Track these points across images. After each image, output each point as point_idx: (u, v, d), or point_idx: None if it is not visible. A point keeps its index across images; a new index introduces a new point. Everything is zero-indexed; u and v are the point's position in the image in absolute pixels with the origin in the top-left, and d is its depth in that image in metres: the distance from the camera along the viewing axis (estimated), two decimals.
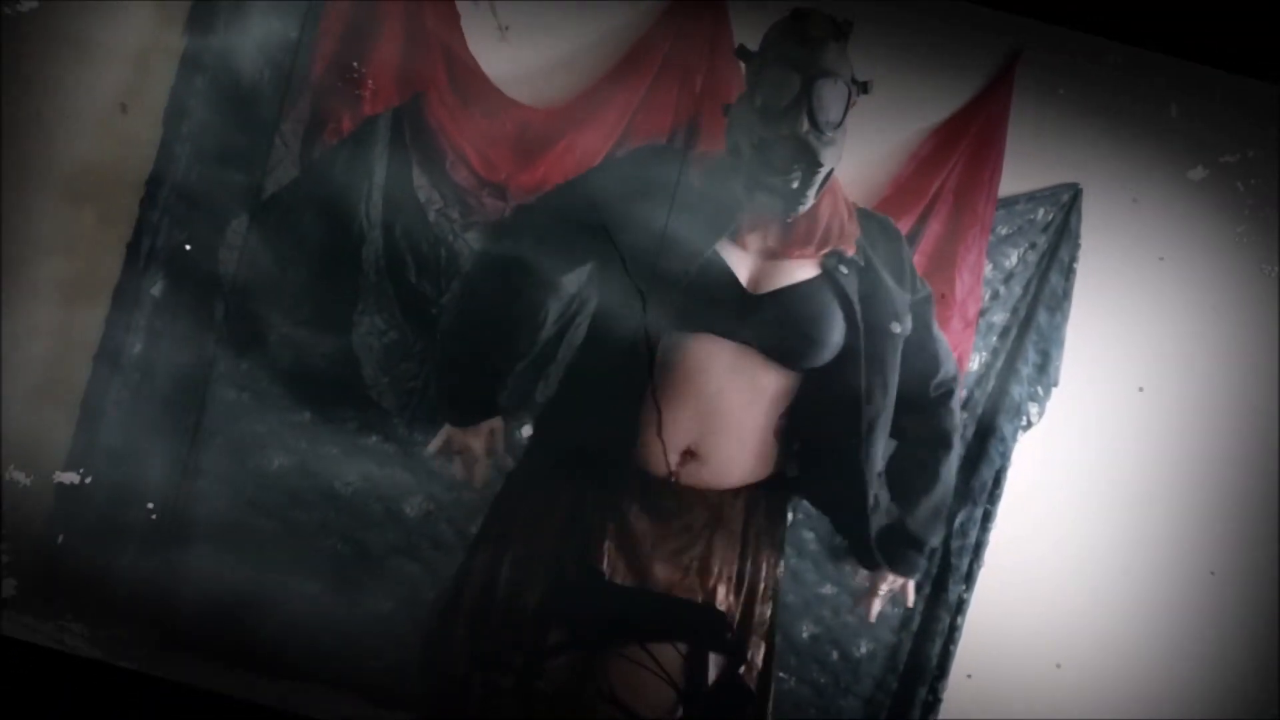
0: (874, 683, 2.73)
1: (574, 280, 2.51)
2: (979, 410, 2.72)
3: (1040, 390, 2.72)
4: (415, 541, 2.66)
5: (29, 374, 2.63)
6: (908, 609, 2.66)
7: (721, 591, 2.26)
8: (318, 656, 2.63)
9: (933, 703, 2.71)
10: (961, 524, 2.68)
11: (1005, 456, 2.70)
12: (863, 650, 2.70)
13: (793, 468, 2.31)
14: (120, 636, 2.63)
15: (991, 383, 2.73)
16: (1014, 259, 2.72)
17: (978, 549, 2.70)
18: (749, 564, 2.30)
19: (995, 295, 2.71)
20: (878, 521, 2.33)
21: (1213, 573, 2.70)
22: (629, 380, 2.22)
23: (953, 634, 2.69)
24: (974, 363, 2.72)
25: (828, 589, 2.68)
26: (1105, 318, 2.71)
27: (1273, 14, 2.53)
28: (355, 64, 2.59)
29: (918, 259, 2.64)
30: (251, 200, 2.61)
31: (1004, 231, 2.71)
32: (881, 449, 2.31)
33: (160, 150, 2.60)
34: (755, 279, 2.24)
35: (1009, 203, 2.70)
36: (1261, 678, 2.72)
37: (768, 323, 2.20)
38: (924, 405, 2.35)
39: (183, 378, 2.62)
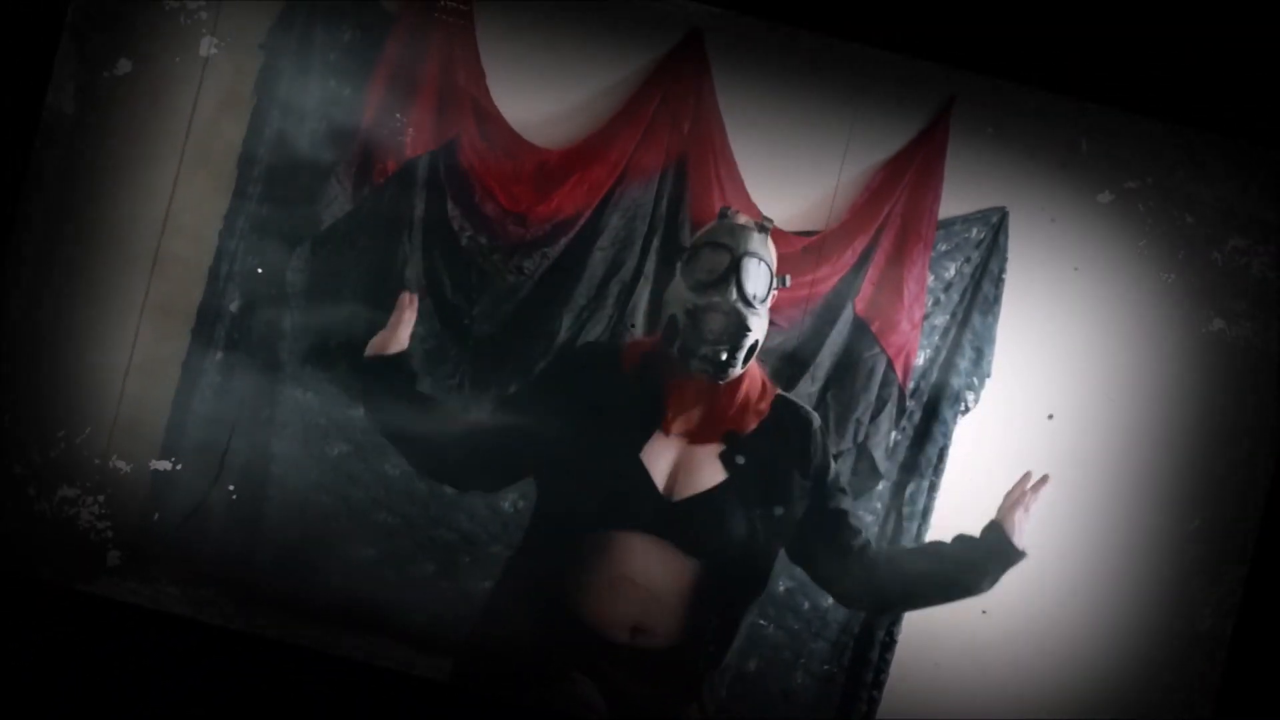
0: (839, 628, 2.88)
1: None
2: (924, 398, 2.89)
3: (976, 380, 2.88)
4: (452, 515, 2.81)
5: (129, 379, 2.78)
6: None
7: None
8: (371, 611, 2.78)
9: (889, 643, 2.87)
10: (911, 494, 2.87)
11: (947, 436, 2.87)
12: (829, 601, 2.83)
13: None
14: (207, 597, 2.79)
15: (934, 375, 2.89)
16: (952, 271, 2.87)
17: (925, 514, 2.88)
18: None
19: (937, 301, 2.87)
20: None
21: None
22: (561, 576, 2.23)
23: None
24: (920, 358, 2.87)
25: None
26: (1029, 319, 2.86)
27: (1166, 61, 2.67)
28: (398, 115, 2.76)
29: (871, 273, 2.81)
30: (312, 230, 2.77)
31: (944, 248, 2.86)
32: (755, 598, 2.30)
33: (235, 189, 2.78)
34: (670, 483, 2.23)
35: (948, 224, 2.86)
36: (1181, 620, 2.86)
37: (680, 525, 2.20)
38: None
39: (257, 380, 2.79)
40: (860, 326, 2.88)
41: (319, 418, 2.81)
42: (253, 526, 2.81)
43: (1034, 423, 2.88)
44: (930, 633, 2.89)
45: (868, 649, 2.89)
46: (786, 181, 2.85)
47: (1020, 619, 2.88)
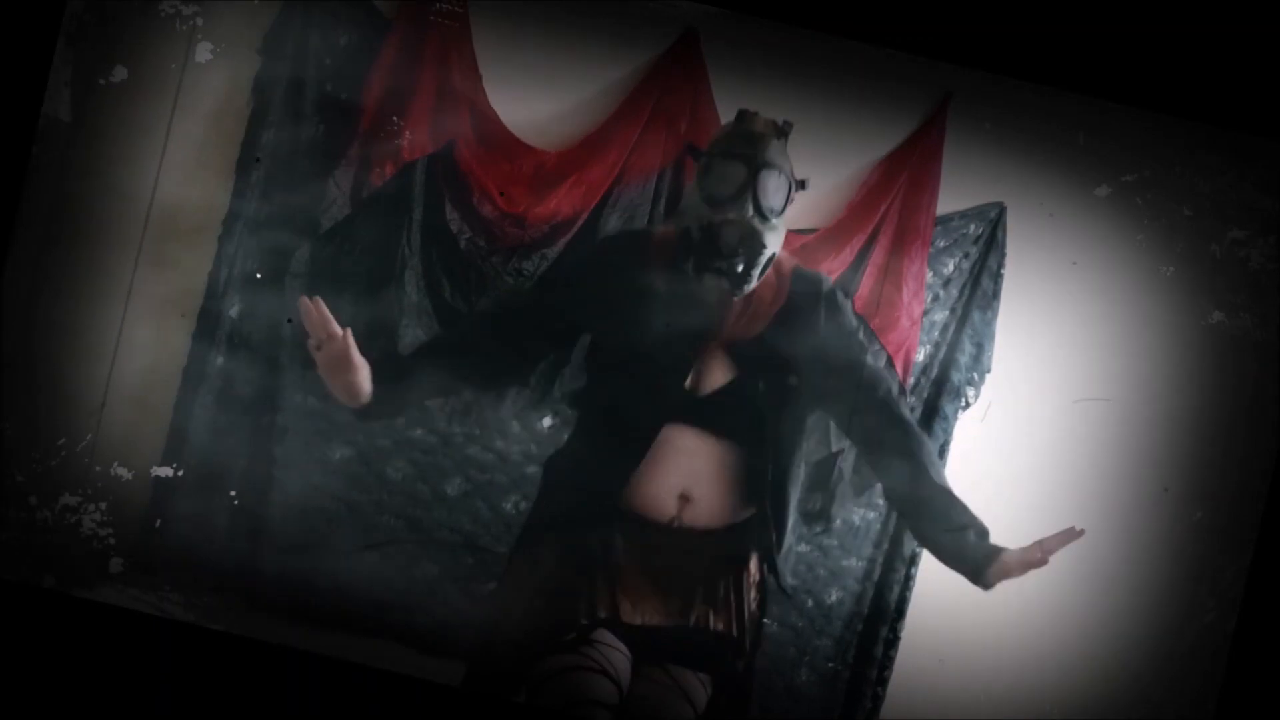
0: (843, 624, 2.88)
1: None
2: (925, 394, 2.87)
3: (975, 376, 2.87)
4: (456, 517, 2.81)
5: (129, 386, 2.77)
6: (870, 562, 2.86)
7: (723, 621, 2.29)
8: (376, 615, 2.78)
9: (893, 639, 2.87)
10: None
11: (948, 432, 2.87)
12: (833, 598, 2.87)
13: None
14: (211, 603, 2.78)
15: (935, 371, 2.88)
16: (951, 267, 2.87)
17: None
18: (745, 591, 2.35)
19: (936, 298, 2.86)
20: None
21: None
22: (609, 463, 2.29)
23: (908, 582, 2.87)
24: (920, 354, 2.86)
25: (803, 548, 2.85)
26: (1028, 314, 2.85)
27: (1163, 53, 2.69)
28: (395, 119, 2.75)
29: (870, 270, 2.82)
30: (311, 234, 2.77)
31: (942, 244, 2.85)
32: (795, 478, 2.39)
33: (234, 195, 2.76)
34: (694, 381, 2.30)
35: (945, 220, 2.84)
36: (1185, 613, 2.86)
37: (708, 416, 2.27)
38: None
39: (258, 384, 2.78)
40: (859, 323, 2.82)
41: (320, 421, 2.80)
42: (255, 532, 2.80)
43: (1035, 417, 2.89)
44: (934, 629, 2.90)
45: (872, 645, 2.90)
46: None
47: (1024, 614, 2.87)
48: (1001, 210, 2.88)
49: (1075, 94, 2.76)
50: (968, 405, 2.91)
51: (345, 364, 2.21)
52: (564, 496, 2.38)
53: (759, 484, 2.32)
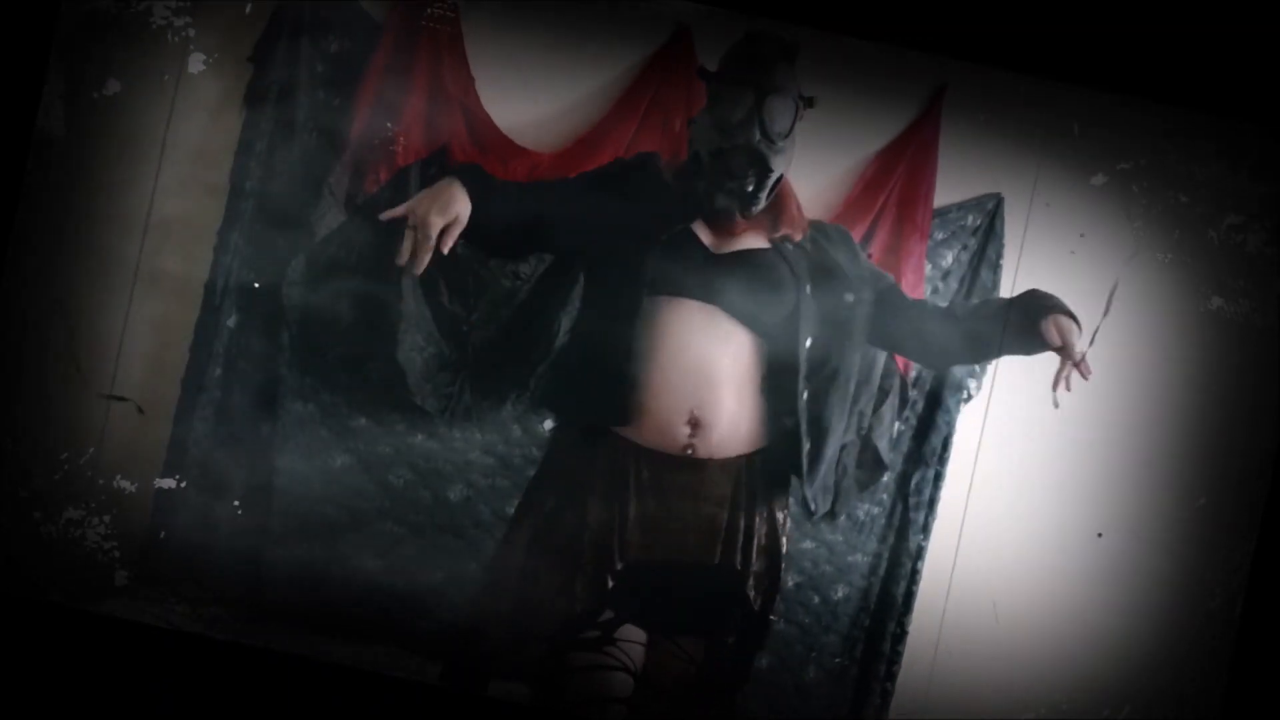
0: (850, 620, 2.88)
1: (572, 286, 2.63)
2: (927, 386, 2.88)
3: (977, 368, 2.86)
4: (459, 522, 2.80)
5: (130, 397, 2.78)
6: (876, 557, 2.88)
7: (737, 555, 2.32)
8: (380, 621, 2.78)
9: (900, 634, 2.87)
10: (916, 484, 2.87)
11: (950, 425, 2.87)
12: (839, 594, 2.87)
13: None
14: (216, 613, 2.78)
15: None
16: (950, 259, 2.87)
17: (931, 504, 2.88)
18: (758, 524, 2.36)
19: (935, 290, 2.86)
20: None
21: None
22: (618, 342, 2.29)
23: (914, 576, 2.88)
24: None
25: (808, 544, 2.85)
26: None
27: (1155, 40, 2.71)
28: (388, 124, 2.74)
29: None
30: (307, 242, 2.75)
31: (940, 236, 2.85)
32: (846, 405, 2.44)
33: (228, 204, 2.76)
34: (716, 245, 2.35)
35: (943, 212, 2.85)
36: (1190, 599, 2.86)
37: (727, 280, 2.28)
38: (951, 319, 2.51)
39: (257, 394, 2.78)
40: None
41: (320, 430, 2.81)
42: (259, 541, 2.80)
43: (1036, 408, 2.81)
44: (941, 623, 2.90)
45: (879, 641, 2.91)
46: None
47: (1030, 603, 2.90)
48: (999, 201, 2.89)
49: (1069, 84, 2.79)
50: (969, 398, 2.91)
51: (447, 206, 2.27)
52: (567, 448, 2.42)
53: (787, 393, 2.32)
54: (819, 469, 2.38)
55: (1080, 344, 2.39)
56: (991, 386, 2.91)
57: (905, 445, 2.92)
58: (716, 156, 2.27)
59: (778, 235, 2.39)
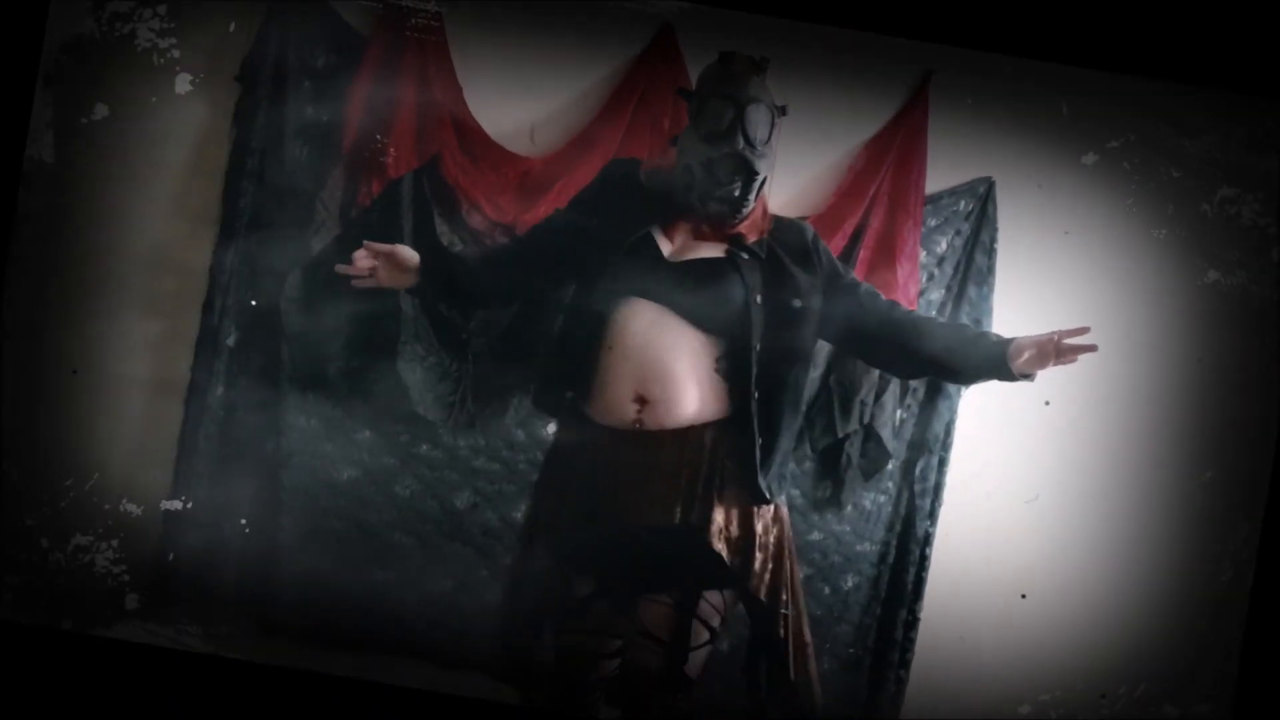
0: (861, 610, 2.88)
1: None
2: None
3: None
4: (467, 530, 2.82)
5: (131, 422, 2.80)
6: (884, 545, 2.89)
7: (694, 513, 2.42)
8: (392, 632, 2.79)
9: (912, 621, 2.88)
10: (921, 471, 2.88)
11: (952, 411, 2.87)
12: (849, 584, 2.88)
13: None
14: (229, 633, 2.80)
15: None
16: (944, 245, 2.87)
17: (937, 490, 2.88)
18: (718, 484, 2.45)
19: (931, 277, 2.87)
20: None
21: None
22: (581, 338, 2.49)
23: (923, 563, 2.88)
24: None
25: (815, 535, 2.87)
26: (1024, 287, 2.86)
27: (1141, 14, 2.74)
28: (378, 136, 2.76)
29: (864, 254, 2.83)
30: (303, 258, 2.77)
31: (933, 223, 2.86)
32: (799, 403, 2.54)
33: (222, 223, 2.78)
34: (673, 253, 2.48)
35: (935, 198, 2.85)
36: (1201, 574, 2.87)
37: (677, 288, 2.43)
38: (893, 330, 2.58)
39: (260, 411, 2.79)
40: None
41: (325, 444, 2.82)
42: (268, 559, 2.82)
43: (1037, 390, 2.78)
44: (953, 609, 2.92)
45: (891, 628, 2.91)
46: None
47: (1041, 583, 2.91)
48: (990, 185, 2.89)
49: (1056, 64, 2.80)
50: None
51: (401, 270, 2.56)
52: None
53: (740, 380, 2.45)
54: (772, 460, 2.49)
55: (1042, 338, 2.54)
56: None
57: (909, 432, 2.92)
58: (706, 168, 2.43)
59: (732, 231, 2.50)
